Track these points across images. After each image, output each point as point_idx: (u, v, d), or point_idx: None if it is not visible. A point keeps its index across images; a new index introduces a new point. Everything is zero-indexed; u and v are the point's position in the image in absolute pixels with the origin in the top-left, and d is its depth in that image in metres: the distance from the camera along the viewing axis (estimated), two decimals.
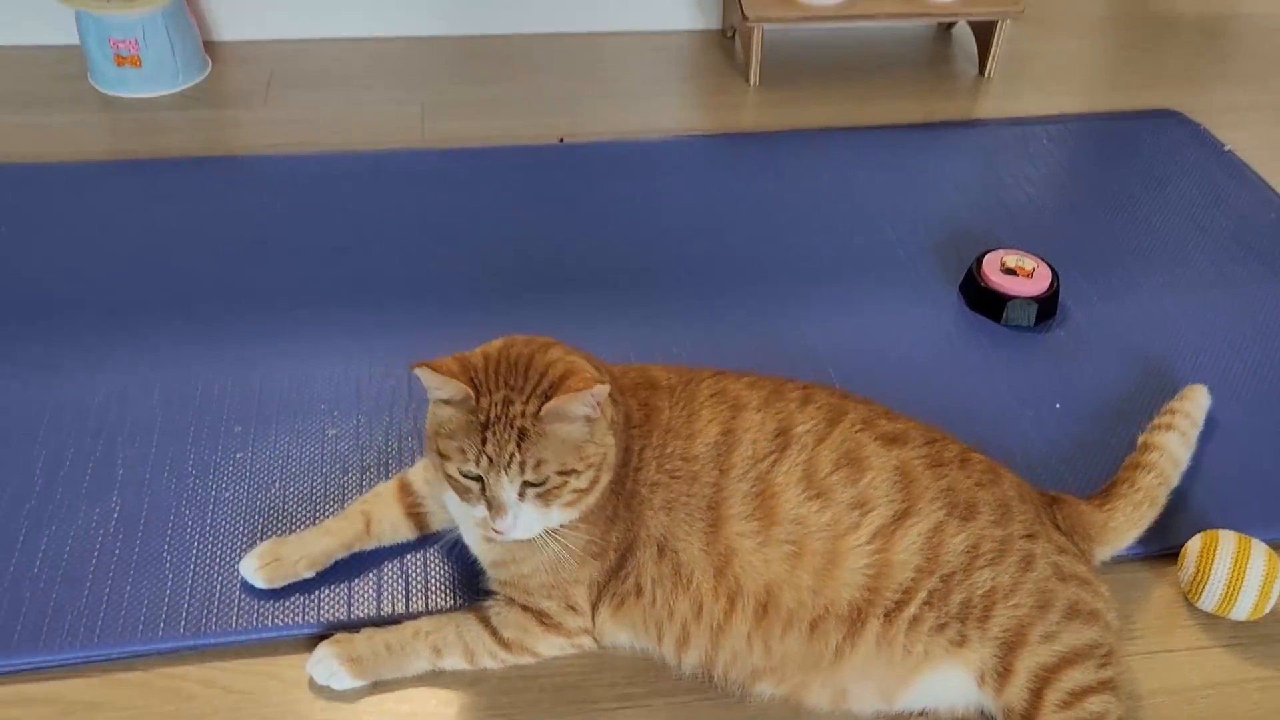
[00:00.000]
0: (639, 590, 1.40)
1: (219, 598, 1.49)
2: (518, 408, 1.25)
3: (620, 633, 1.45)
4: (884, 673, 1.34)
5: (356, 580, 1.53)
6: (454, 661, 1.43)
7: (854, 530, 1.34)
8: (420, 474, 1.59)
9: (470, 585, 1.51)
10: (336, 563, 1.54)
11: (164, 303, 1.99)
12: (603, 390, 1.26)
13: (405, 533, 1.58)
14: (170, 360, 1.86)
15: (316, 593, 1.51)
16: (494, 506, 1.27)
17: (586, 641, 1.46)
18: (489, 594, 1.47)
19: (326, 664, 1.40)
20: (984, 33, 2.86)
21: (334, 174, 2.34)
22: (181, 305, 1.98)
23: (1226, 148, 2.57)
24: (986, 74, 2.86)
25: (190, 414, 1.77)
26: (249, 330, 1.93)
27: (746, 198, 2.34)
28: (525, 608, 1.44)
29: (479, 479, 1.27)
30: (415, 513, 1.58)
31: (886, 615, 1.33)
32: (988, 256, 2.08)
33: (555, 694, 1.43)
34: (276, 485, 1.66)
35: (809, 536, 1.34)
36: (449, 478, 1.30)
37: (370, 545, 1.57)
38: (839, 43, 2.99)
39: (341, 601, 1.50)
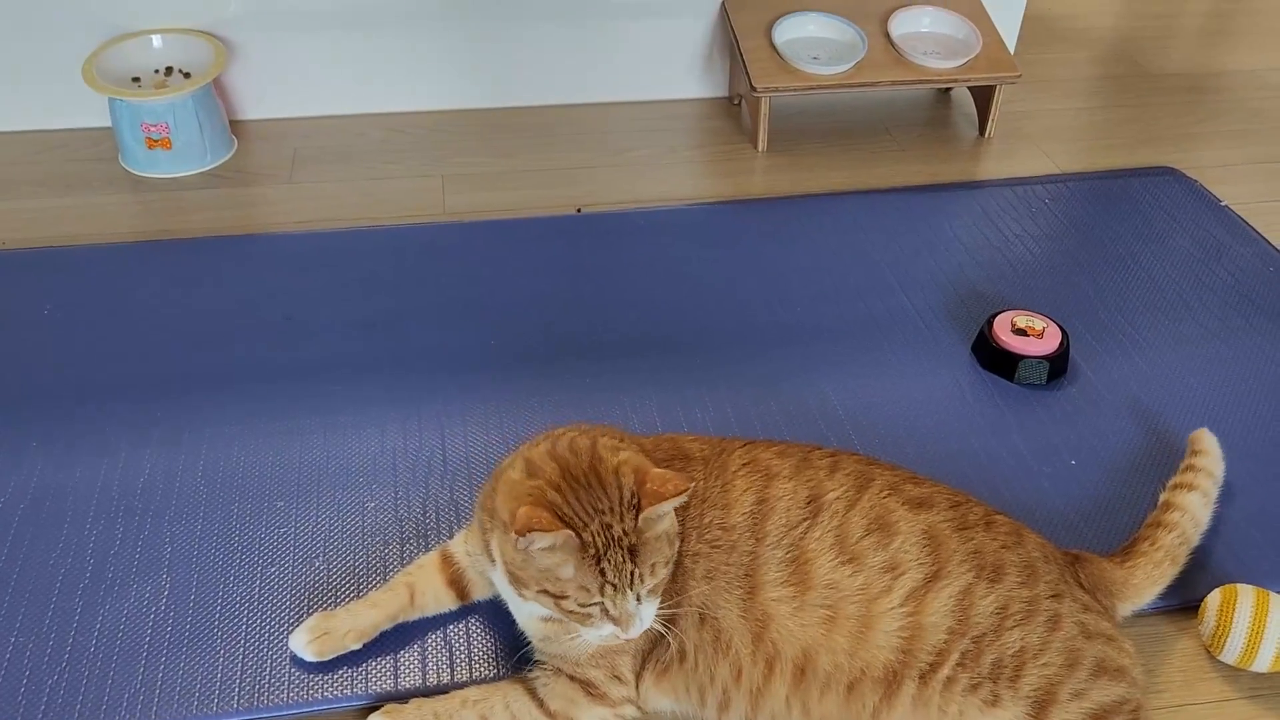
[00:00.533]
0: (681, 657, 1.45)
1: (270, 672, 1.54)
2: (618, 529, 1.30)
3: (663, 699, 1.49)
4: None
5: (402, 651, 1.58)
6: None
7: (886, 594, 1.39)
8: (461, 545, 1.65)
9: (514, 650, 1.55)
10: (382, 634, 1.59)
11: (202, 381, 2.04)
12: (685, 496, 1.32)
13: (448, 602, 1.63)
14: (211, 438, 1.92)
15: (364, 665, 1.55)
16: (622, 621, 1.32)
17: (630, 711, 1.51)
18: (534, 662, 1.52)
19: None
20: (982, 96, 2.95)
21: (358, 249, 2.41)
22: (219, 383, 2.04)
23: (1223, 203, 2.65)
24: (986, 135, 2.95)
25: (233, 491, 1.82)
26: (285, 406, 1.99)
27: (760, 262, 2.41)
28: (572, 678, 1.48)
29: (598, 604, 1.32)
30: (457, 583, 1.63)
31: (921, 677, 1.37)
32: (998, 318, 2.15)
33: None
34: (320, 560, 1.71)
35: (843, 601, 1.39)
36: (567, 613, 1.34)
37: (414, 616, 1.62)
38: (842, 106, 3.08)
39: (388, 672, 1.55)
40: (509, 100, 3.02)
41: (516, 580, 1.37)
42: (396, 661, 1.56)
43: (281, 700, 1.50)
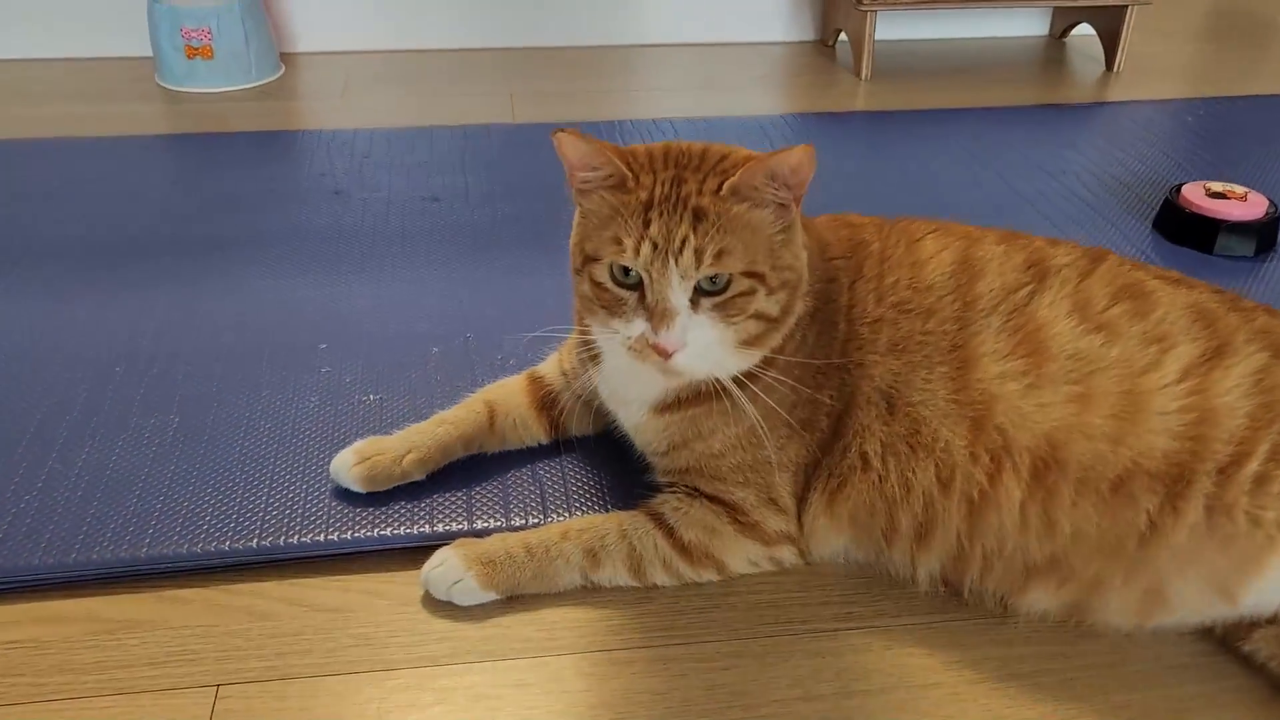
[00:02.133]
0: (864, 463, 1.06)
1: (304, 506, 1.15)
2: (692, 185, 0.96)
3: (836, 534, 1.09)
4: (1220, 556, 0.97)
5: (478, 487, 1.19)
6: (613, 573, 1.07)
7: (1155, 368, 1.00)
8: (553, 365, 1.27)
9: (627, 490, 1.16)
10: (451, 466, 1.20)
11: (238, 243, 1.72)
12: (802, 160, 0.95)
13: (537, 431, 1.25)
14: (245, 293, 1.58)
15: (427, 499, 1.17)
16: (656, 313, 0.95)
17: (788, 554, 1.11)
18: (662, 488, 1.13)
19: (449, 568, 1.05)
20: (1109, 28, 2.65)
21: (422, 142, 2.11)
22: (256, 246, 1.71)
23: None
24: (1115, 68, 2.64)
25: (267, 337, 1.47)
26: (330, 264, 1.65)
27: (892, 167, 2.08)
28: (713, 498, 1.09)
29: (636, 284, 0.96)
30: (548, 409, 1.25)
31: (1220, 472, 0.96)
32: (1186, 186, 1.79)
33: (751, 613, 1.06)
34: (372, 397, 1.34)
35: (1096, 374, 1.00)
36: (596, 288, 0.99)
37: (494, 446, 1.23)
38: (951, 53, 2.79)
39: (459, 509, 1.16)
40: (584, 39, 2.76)
41: (571, 257, 1.03)
42: (470, 498, 1.17)
43: (317, 537, 1.11)
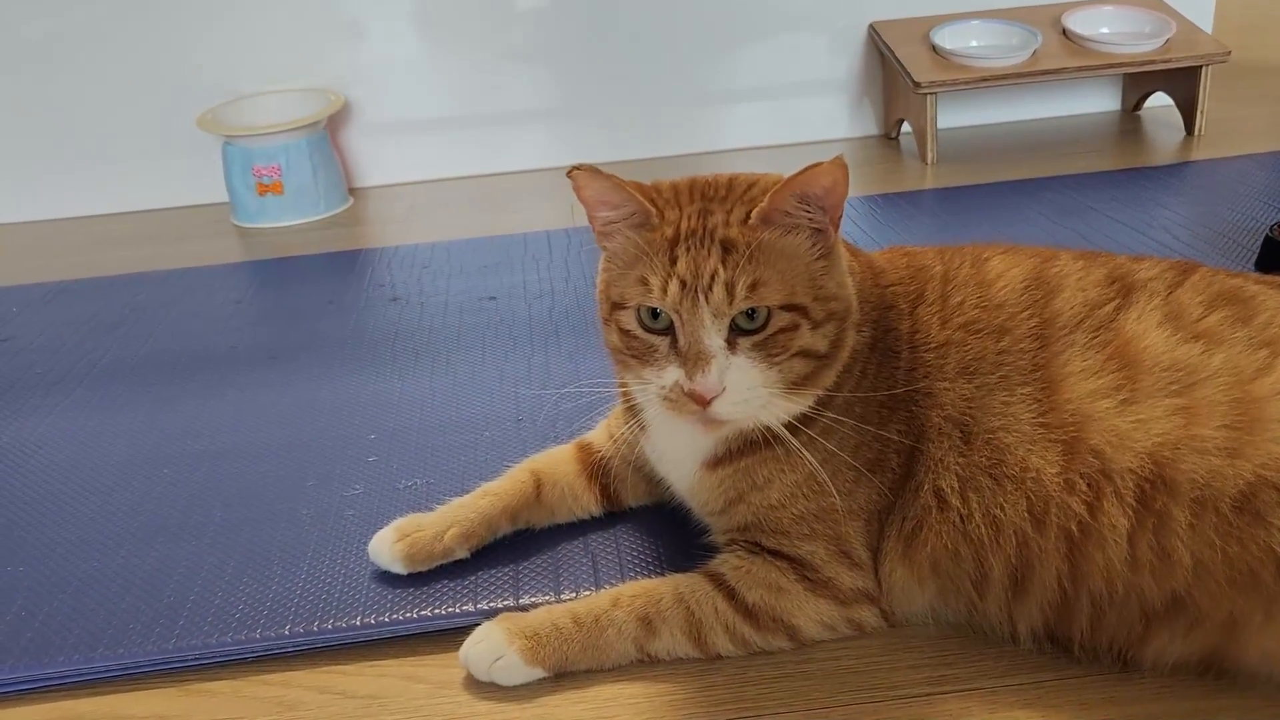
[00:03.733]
0: (941, 502, 0.94)
1: (341, 591, 1.08)
2: (718, 217, 0.90)
3: (919, 587, 0.97)
4: None
5: (525, 562, 1.10)
6: (671, 644, 0.96)
7: (1267, 372, 0.88)
8: (603, 432, 1.19)
9: (692, 560, 1.05)
10: (499, 541, 1.12)
11: (299, 350, 1.70)
12: (835, 176, 0.88)
13: (587, 503, 1.16)
14: (299, 392, 1.55)
15: (472, 577, 1.08)
16: (690, 358, 0.87)
17: (869, 615, 0.98)
18: (721, 548, 1.02)
19: (491, 644, 0.95)
20: (1185, 91, 2.56)
21: (481, 250, 2.10)
22: (313, 352, 1.69)
23: None
24: (1196, 131, 2.53)
25: (316, 432, 1.43)
26: (386, 365, 1.62)
27: (964, 237, 1.99)
28: (777, 554, 0.98)
29: (667, 328, 0.89)
30: (599, 480, 1.16)
31: None
32: None
33: (829, 680, 0.94)
34: (417, 481, 1.27)
35: (1199, 385, 0.88)
36: (625, 336, 0.92)
37: (542, 520, 1.15)
38: (1019, 132, 2.72)
39: (506, 586, 1.07)
40: (654, 151, 2.77)
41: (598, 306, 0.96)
42: (518, 573, 1.08)
43: (352, 622, 1.03)
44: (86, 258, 2.35)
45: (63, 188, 2.66)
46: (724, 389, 0.87)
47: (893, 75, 2.61)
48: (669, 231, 0.90)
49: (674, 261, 0.88)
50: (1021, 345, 0.95)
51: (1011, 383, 0.94)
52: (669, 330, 0.90)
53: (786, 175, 0.95)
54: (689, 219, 0.90)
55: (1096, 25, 2.59)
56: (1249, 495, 0.84)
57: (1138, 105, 2.79)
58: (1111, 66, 2.50)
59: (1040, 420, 0.91)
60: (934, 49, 2.53)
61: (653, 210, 0.91)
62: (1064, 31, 2.56)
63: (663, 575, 1.04)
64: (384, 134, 2.69)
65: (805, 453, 0.93)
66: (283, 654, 1.02)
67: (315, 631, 1.03)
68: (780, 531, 0.98)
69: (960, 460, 0.94)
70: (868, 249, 1.09)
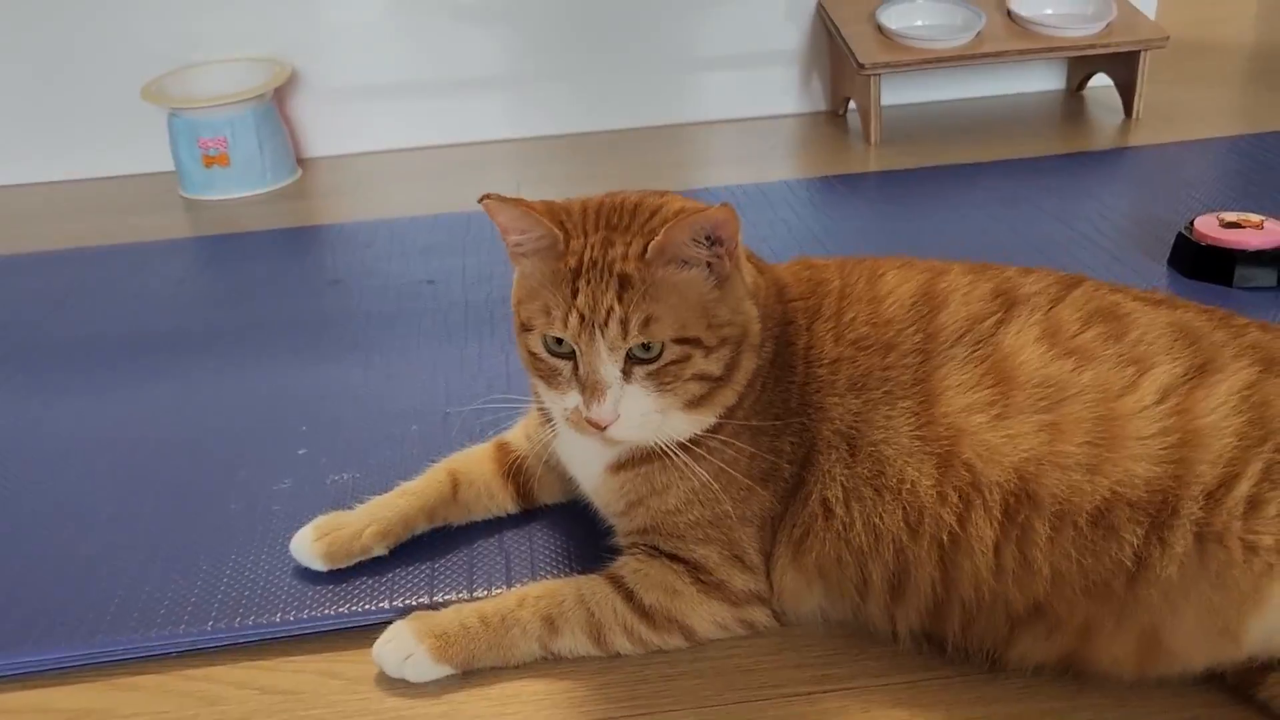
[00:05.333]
0: (827, 511, 1.00)
1: (264, 587, 1.13)
2: (618, 249, 0.93)
3: (807, 589, 1.03)
4: (1216, 590, 0.88)
5: (442, 560, 1.15)
6: (573, 643, 1.02)
7: (1131, 390, 0.94)
8: (521, 431, 1.24)
9: (600, 560, 1.10)
10: (416, 540, 1.17)
11: (232, 334, 1.73)
12: (724, 217, 0.92)
13: (504, 502, 1.21)
14: (236, 379, 1.58)
15: (390, 574, 1.13)
16: (588, 386, 0.92)
17: (760, 615, 1.04)
18: (622, 550, 1.08)
19: (400, 643, 1.00)
20: (1125, 74, 2.60)
21: (423, 230, 2.13)
22: (251, 338, 1.72)
23: None
24: (1134, 114, 2.58)
25: (250, 422, 1.46)
26: (323, 351, 1.65)
27: (901, 225, 2.03)
28: (674, 557, 1.03)
29: (570, 353, 0.94)
30: (515, 479, 1.21)
31: (1208, 497, 0.89)
32: (1199, 218, 1.72)
33: (719, 679, 1.00)
34: (344, 476, 1.31)
35: (1068, 401, 0.94)
36: (533, 357, 0.97)
37: (459, 517, 1.20)
38: (961, 112, 2.76)
39: (422, 583, 1.12)
40: (599, 125, 2.79)
41: (515, 330, 1.00)
42: (433, 571, 1.13)
43: (272, 619, 1.08)
44: (30, 229, 2.36)
45: (5, 155, 2.65)
46: (619, 416, 0.92)
47: (840, 53, 2.63)
48: (572, 262, 0.93)
49: (575, 294, 0.92)
50: (906, 360, 1.00)
51: (894, 397, 0.99)
52: (571, 355, 0.94)
53: (687, 203, 1.00)
54: (591, 249, 0.93)
55: (1040, 7, 2.63)
56: (1104, 510, 0.90)
57: (1081, 85, 2.83)
58: (1053, 50, 2.54)
59: (918, 433, 0.97)
60: (879, 28, 2.55)
61: (560, 236, 0.94)
62: (1008, 13, 2.59)
63: (571, 574, 1.10)
64: (335, 101, 2.69)
65: (696, 466, 0.98)
66: (206, 649, 1.06)
67: (237, 627, 1.07)
68: (676, 535, 1.03)
69: (846, 472, 0.99)
70: (806, 237, 1.12)
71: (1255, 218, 1.68)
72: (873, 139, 2.54)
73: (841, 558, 0.99)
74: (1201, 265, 1.67)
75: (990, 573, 0.93)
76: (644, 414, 0.94)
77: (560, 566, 1.13)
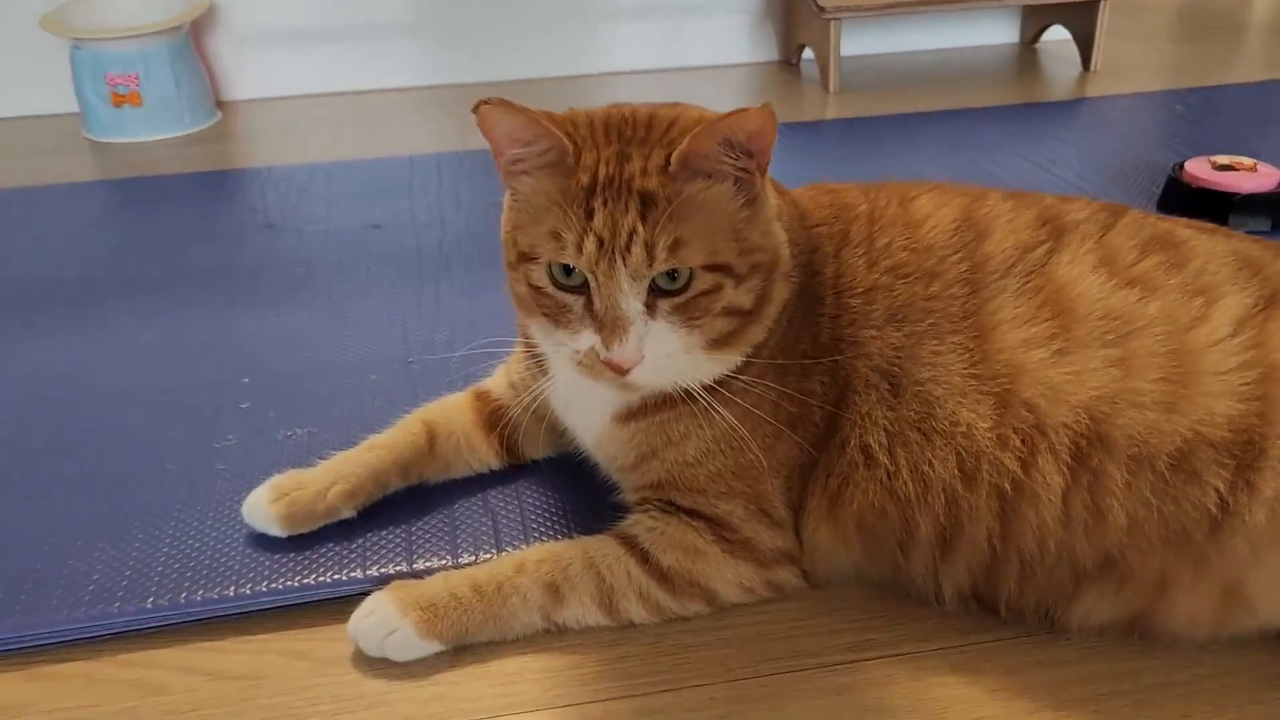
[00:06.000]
0: (868, 457, 0.89)
1: (211, 558, 0.97)
2: (636, 163, 0.80)
3: (843, 547, 0.92)
4: None
5: (419, 522, 1.01)
6: (580, 611, 0.90)
7: (1202, 322, 0.85)
8: (502, 378, 1.10)
9: (601, 520, 0.98)
10: (389, 499, 1.03)
11: (170, 280, 1.55)
12: (761, 122, 0.80)
13: (485, 455, 1.08)
14: (163, 329, 1.41)
15: (360, 539, 0.99)
16: (606, 324, 0.79)
17: (789, 576, 0.93)
18: (633, 507, 0.95)
19: (382, 616, 0.87)
20: (1083, 28, 2.54)
21: (364, 173, 1.96)
22: (178, 285, 1.54)
23: None
24: (1093, 67, 2.52)
25: (183, 374, 1.30)
26: (261, 299, 1.49)
27: (867, 171, 1.93)
28: (694, 513, 0.91)
29: (581, 285, 0.80)
30: (497, 431, 1.08)
31: None
32: (1190, 161, 1.66)
33: (749, 648, 0.88)
34: (298, 431, 1.16)
35: (1135, 335, 0.84)
36: (535, 292, 0.83)
37: (436, 474, 1.06)
38: (921, 65, 2.68)
39: (398, 549, 0.98)
40: (545, 71, 2.63)
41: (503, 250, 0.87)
42: (410, 535, 1.00)
43: (224, 593, 0.93)
44: None
45: None
46: (643, 357, 0.80)
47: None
48: (584, 178, 0.80)
49: (590, 215, 0.79)
50: (952, 290, 0.90)
51: (941, 331, 0.88)
52: (583, 288, 0.81)
53: (705, 111, 0.87)
54: (606, 164, 0.80)
55: None
56: (1186, 452, 0.81)
57: (1035, 38, 2.77)
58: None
59: (971, 371, 0.86)
60: None
61: (570, 148, 0.81)
62: None
63: (570, 536, 0.97)
64: (254, 43, 2.48)
65: (723, 411, 0.86)
66: (144, 630, 0.91)
67: (182, 604, 0.92)
68: (696, 489, 0.91)
69: (889, 414, 0.88)
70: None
71: (1247, 161, 1.63)
72: (831, 87, 2.44)
73: (885, 510, 0.88)
74: (1195, 209, 1.60)
75: (1058, 523, 0.83)
76: (670, 354, 0.82)
77: (557, 528, 1.00)
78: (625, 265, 0.79)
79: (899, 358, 0.89)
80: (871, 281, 0.92)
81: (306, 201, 1.83)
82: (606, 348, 0.80)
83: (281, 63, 2.51)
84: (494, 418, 1.07)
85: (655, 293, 0.80)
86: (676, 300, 0.81)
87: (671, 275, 0.80)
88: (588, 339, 0.81)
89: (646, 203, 0.79)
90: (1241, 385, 0.81)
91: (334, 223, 1.73)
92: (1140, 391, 0.82)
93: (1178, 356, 0.83)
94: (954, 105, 2.28)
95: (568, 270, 0.81)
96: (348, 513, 1.00)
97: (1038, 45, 2.78)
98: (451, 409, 1.08)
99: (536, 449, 1.09)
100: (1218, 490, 0.80)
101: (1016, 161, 1.90)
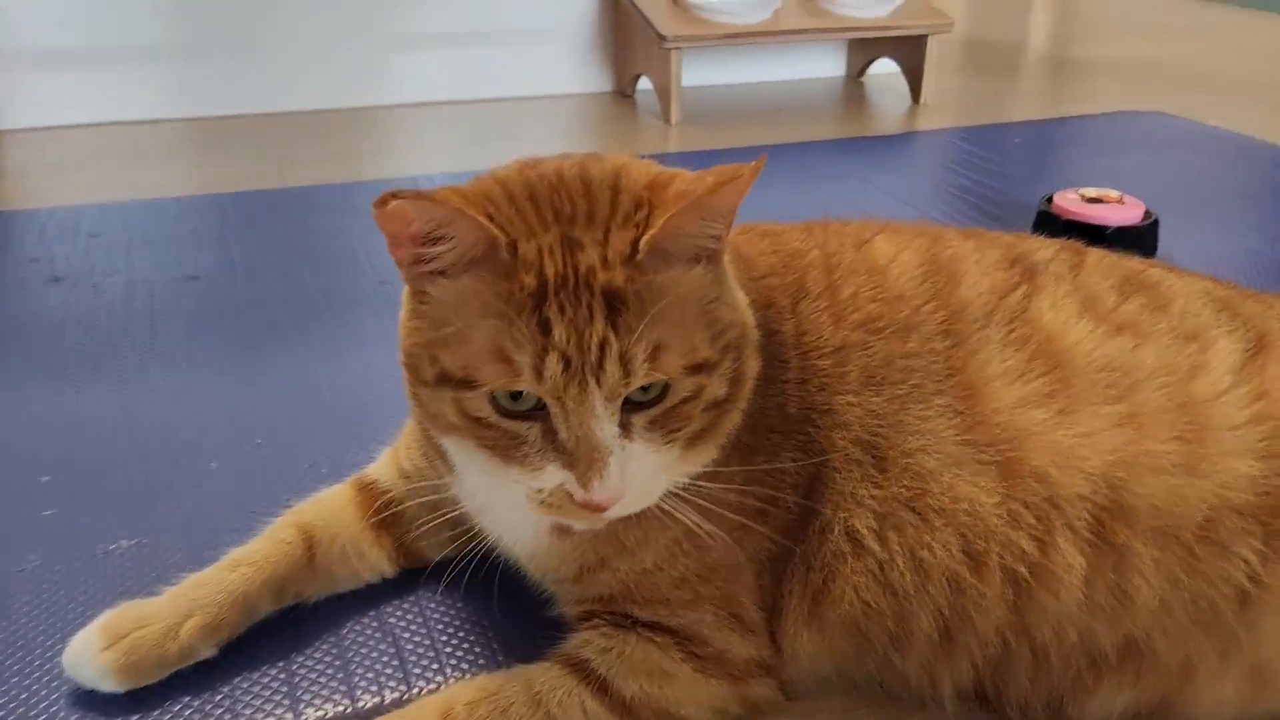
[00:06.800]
0: (855, 546, 0.76)
1: None
2: (592, 253, 0.64)
3: (828, 653, 0.78)
4: None
5: (303, 657, 0.81)
6: None
7: (1202, 371, 0.77)
8: (389, 464, 0.91)
9: (535, 637, 0.81)
10: (260, 628, 0.82)
11: None
12: (746, 183, 0.66)
13: (376, 563, 0.88)
14: None
15: (227, 688, 0.78)
16: (580, 456, 0.63)
17: (765, 691, 0.79)
18: (577, 623, 0.79)
19: None
20: (912, 60, 2.56)
21: (169, 215, 1.70)
22: None
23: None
24: (921, 101, 2.55)
25: None
26: (55, 371, 1.22)
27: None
28: (655, 627, 0.76)
29: (536, 408, 0.64)
30: (389, 531, 0.89)
31: None
32: (1058, 194, 1.65)
33: None
34: (124, 543, 0.93)
35: (1138, 388, 0.76)
36: (472, 424, 0.66)
37: (318, 590, 0.86)
38: (757, 97, 2.64)
39: (278, 696, 0.77)
40: (353, 101, 2.42)
41: (410, 376, 0.69)
42: (292, 675, 0.79)
43: None
44: None
45: None
46: (625, 486, 0.64)
47: (630, 26, 2.42)
48: (529, 280, 0.63)
49: (546, 329, 0.62)
50: (932, 345, 0.79)
51: (926, 392, 0.77)
52: (538, 412, 0.64)
53: (652, 166, 0.72)
54: (552, 257, 0.63)
55: None
56: (1212, 521, 0.72)
57: (862, 71, 2.79)
58: (850, 30, 2.48)
59: (965, 438, 0.75)
60: (675, 1, 2.37)
61: (502, 240, 0.64)
62: None
63: (496, 661, 0.80)
64: (10, 66, 2.15)
65: (686, 509, 0.71)
66: None
67: None
68: (657, 599, 0.76)
69: (876, 493, 0.76)
70: None
71: (1114, 193, 1.63)
72: (673, 118, 2.35)
73: (877, 605, 0.76)
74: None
75: (1080, 610, 0.73)
76: (651, 476, 0.67)
77: (478, 651, 0.82)
78: (600, 386, 0.63)
79: (881, 426, 0.77)
80: (841, 339, 0.79)
81: (100, 249, 1.55)
82: (584, 487, 0.63)
83: (55, 89, 2.19)
84: (383, 513, 0.88)
85: (627, 408, 0.65)
86: (653, 413, 0.66)
87: (646, 387, 0.65)
88: (554, 476, 0.64)
89: (614, 304, 0.63)
90: (1258, 441, 0.74)
91: (138, 274, 1.47)
92: (1157, 454, 0.73)
93: (1187, 411, 0.75)
94: (795, 138, 2.23)
95: (515, 395, 0.64)
96: (208, 652, 0.78)
97: (864, 79, 2.79)
98: (330, 507, 0.88)
99: (437, 547, 0.90)
100: (1247, 562, 0.72)
101: (874, 195, 1.86)
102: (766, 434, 0.77)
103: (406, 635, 0.83)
